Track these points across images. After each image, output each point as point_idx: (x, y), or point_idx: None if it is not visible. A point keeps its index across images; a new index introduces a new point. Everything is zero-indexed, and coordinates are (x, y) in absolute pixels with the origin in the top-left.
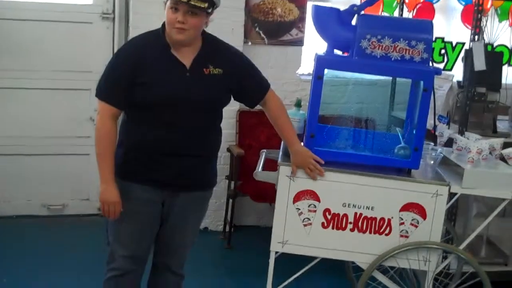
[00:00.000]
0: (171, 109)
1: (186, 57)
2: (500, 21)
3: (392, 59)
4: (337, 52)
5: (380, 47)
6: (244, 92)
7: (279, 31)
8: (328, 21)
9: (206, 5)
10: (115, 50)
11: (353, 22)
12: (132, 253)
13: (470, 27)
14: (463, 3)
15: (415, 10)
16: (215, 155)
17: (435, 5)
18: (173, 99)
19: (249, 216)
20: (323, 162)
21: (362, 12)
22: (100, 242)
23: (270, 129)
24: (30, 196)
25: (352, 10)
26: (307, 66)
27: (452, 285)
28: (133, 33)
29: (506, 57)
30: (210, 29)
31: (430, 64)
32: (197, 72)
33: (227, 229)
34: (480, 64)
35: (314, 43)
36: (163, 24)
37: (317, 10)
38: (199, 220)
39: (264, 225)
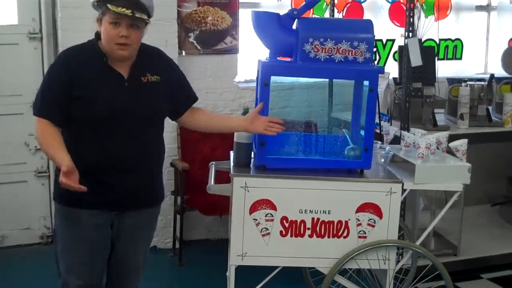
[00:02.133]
0: (112, 123)
1: (123, 67)
2: (426, 16)
3: (336, 61)
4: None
5: (324, 50)
6: (174, 101)
7: (213, 40)
8: (269, 26)
9: (146, 16)
10: (45, 71)
11: (294, 26)
12: (86, 282)
13: (398, 24)
14: (390, 1)
15: (344, 11)
16: (160, 169)
17: (363, 4)
18: (113, 112)
19: (198, 230)
20: (281, 121)
21: (302, 16)
22: (46, 272)
23: (213, 140)
24: None
25: (292, 14)
26: (243, 74)
27: (408, 280)
28: None
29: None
30: (144, 41)
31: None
32: (135, 81)
33: (177, 245)
34: (416, 59)
35: (249, 50)
36: (96, 35)
37: (257, 16)
38: (150, 238)
39: (215, 238)
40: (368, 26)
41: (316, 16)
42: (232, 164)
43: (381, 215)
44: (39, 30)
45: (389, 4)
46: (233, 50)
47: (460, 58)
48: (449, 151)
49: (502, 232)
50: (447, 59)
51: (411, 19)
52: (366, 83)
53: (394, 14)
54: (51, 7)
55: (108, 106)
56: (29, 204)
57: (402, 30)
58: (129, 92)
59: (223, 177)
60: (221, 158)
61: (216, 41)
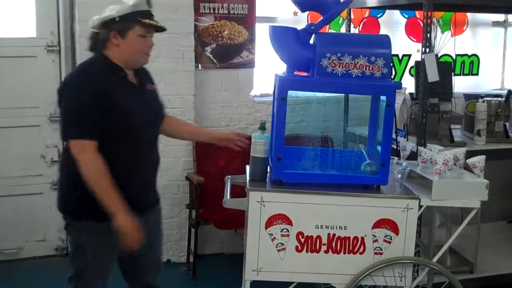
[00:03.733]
0: (141, 129)
1: (132, 79)
2: (442, 31)
3: (353, 76)
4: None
5: (341, 65)
6: None
7: (229, 54)
8: (287, 41)
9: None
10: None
11: (311, 41)
12: (105, 281)
13: (414, 39)
14: (406, 16)
15: (361, 25)
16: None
17: (379, 19)
18: (144, 121)
19: (212, 244)
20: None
21: (320, 31)
22: (62, 285)
23: (228, 153)
24: None
25: (310, 29)
26: (259, 88)
27: None
28: None
29: None
30: (161, 55)
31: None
32: (143, 89)
33: (191, 259)
34: (433, 75)
35: (265, 64)
36: (98, 52)
37: (275, 30)
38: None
39: (229, 252)
40: (385, 41)
41: (333, 31)
42: (248, 178)
43: (397, 231)
44: (57, 43)
45: (405, 20)
46: (249, 64)
47: (477, 74)
48: (466, 168)
49: None
50: (464, 74)
51: (428, 35)
52: (383, 98)
53: (411, 29)
54: (69, 20)
55: (140, 114)
56: (45, 216)
57: (418, 45)
58: (144, 99)
59: (239, 191)
60: (236, 172)
61: (232, 55)
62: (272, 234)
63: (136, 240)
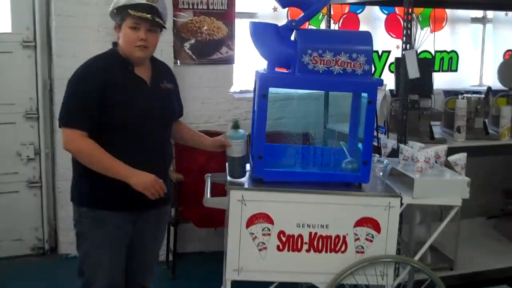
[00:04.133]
0: (141, 126)
1: (144, 75)
2: (422, 27)
3: (335, 73)
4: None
5: (322, 62)
6: None
7: (208, 50)
8: (267, 37)
9: (163, 22)
10: (39, 80)
11: (292, 37)
12: (113, 281)
13: (394, 36)
14: (386, 12)
15: (340, 22)
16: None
17: (359, 15)
18: (146, 115)
19: (191, 243)
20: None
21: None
22: (38, 285)
23: (208, 151)
24: None
25: (291, 25)
26: (239, 84)
27: None
28: (57, 61)
29: None
30: None
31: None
32: (157, 87)
33: (170, 258)
34: (414, 71)
35: (244, 61)
36: (114, 45)
37: (255, 26)
38: (164, 233)
39: (209, 251)
40: (367, 38)
41: (312, 27)
42: (228, 177)
43: (379, 229)
44: (33, 39)
45: (385, 16)
46: (229, 60)
47: (456, 70)
48: (447, 165)
49: (498, 245)
50: (443, 71)
51: (409, 31)
52: (364, 95)
53: (390, 26)
54: (45, 15)
55: (142, 109)
56: (21, 214)
57: (398, 41)
58: (154, 96)
59: (219, 189)
60: (216, 169)
61: (211, 51)
62: (253, 233)
63: (158, 189)
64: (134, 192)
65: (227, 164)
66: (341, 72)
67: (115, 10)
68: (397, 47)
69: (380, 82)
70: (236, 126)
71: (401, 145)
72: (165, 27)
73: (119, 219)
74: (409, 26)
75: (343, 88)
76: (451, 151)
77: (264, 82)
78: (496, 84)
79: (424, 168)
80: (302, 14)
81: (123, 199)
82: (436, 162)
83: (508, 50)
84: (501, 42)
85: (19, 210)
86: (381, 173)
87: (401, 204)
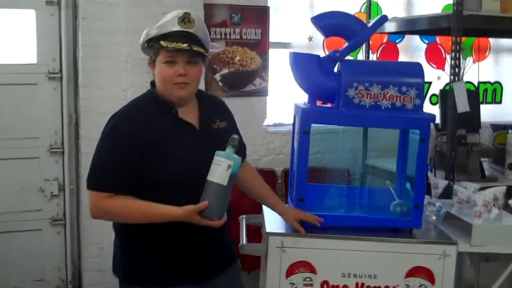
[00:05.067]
0: (192, 180)
1: (191, 116)
2: (464, 58)
3: (383, 108)
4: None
5: (369, 96)
6: None
7: (241, 81)
8: (309, 69)
9: (204, 50)
10: (64, 113)
11: (335, 69)
12: None
13: (435, 66)
14: (427, 41)
15: (379, 52)
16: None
17: (398, 45)
18: (194, 168)
19: None
20: (317, 222)
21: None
22: None
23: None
24: None
25: (334, 56)
26: (273, 117)
27: None
28: (83, 93)
29: None
30: None
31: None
32: (207, 129)
33: None
34: (463, 105)
35: (278, 93)
36: (152, 85)
37: (296, 57)
38: None
39: None
40: (417, 69)
41: (350, 57)
42: (265, 220)
43: (433, 280)
44: (59, 70)
45: (425, 45)
46: (262, 92)
47: (500, 102)
48: (505, 208)
49: None
50: (486, 103)
51: (457, 62)
52: (414, 131)
53: (431, 55)
54: (72, 46)
55: (189, 162)
56: (43, 254)
57: (439, 72)
58: (204, 142)
59: (255, 232)
60: (250, 209)
61: (244, 82)
62: (294, 284)
63: (202, 221)
64: (197, 259)
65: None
66: (390, 107)
67: (146, 44)
68: (438, 78)
69: (433, 118)
70: (233, 144)
71: (456, 186)
72: (207, 56)
73: None
74: (457, 56)
75: (392, 125)
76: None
77: (306, 117)
78: None
79: (482, 212)
80: (346, 44)
81: (185, 270)
82: (493, 205)
83: None
84: None
85: (41, 249)
86: (434, 217)
87: (457, 252)
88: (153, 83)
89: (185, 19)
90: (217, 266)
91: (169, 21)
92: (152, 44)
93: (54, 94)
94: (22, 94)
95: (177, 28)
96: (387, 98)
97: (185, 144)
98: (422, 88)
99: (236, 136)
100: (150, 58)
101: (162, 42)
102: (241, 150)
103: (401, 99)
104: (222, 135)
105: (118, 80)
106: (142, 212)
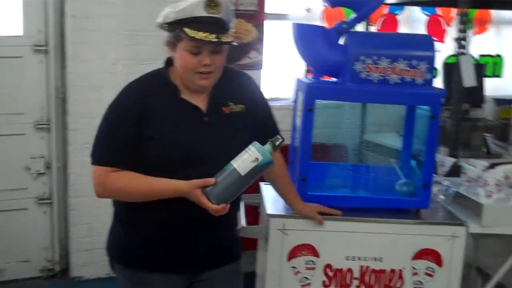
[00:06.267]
0: (190, 167)
1: (199, 99)
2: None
3: (391, 82)
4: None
5: (377, 70)
6: (257, 136)
7: (236, 54)
8: (314, 41)
9: (231, 38)
10: (51, 87)
11: (341, 41)
12: None
13: (436, 39)
14: (428, 13)
15: (378, 24)
16: (236, 218)
17: (398, 17)
18: (193, 155)
19: None
20: (339, 213)
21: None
22: None
23: None
24: None
25: (341, 27)
26: (267, 91)
27: None
28: (71, 67)
29: None
30: (159, 57)
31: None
32: (216, 114)
33: None
34: (469, 79)
35: (273, 66)
36: (167, 63)
37: (300, 29)
38: None
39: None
40: (428, 42)
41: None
42: (265, 200)
43: (441, 263)
44: (45, 42)
45: (426, 17)
46: (257, 66)
47: (500, 76)
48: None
49: None
50: (486, 76)
51: (463, 34)
52: (422, 107)
53: (431, 28)
54: (59, 17)
55: (186, 148)
56: (29, 234)
57: (439, 44)
58: (210, 129)
59: (254, 212)
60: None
61: (240, 55)
62: (296, 267)
63: (200, 198)
64: (190, 249)
65: (263, 183)
66: (399, 81)
67: (165, 25)
68: (439, 50)
69: (444, 93)
70: (274, 143)
71: (465, 164)
72: (235, 44)
73: (168, 283)
74: (463, 28)
75: (402, 101)
76: None
77: (311, 94)
78: None
79: (494, 192)
80: (354, 15)
81: (176, 258)
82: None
83: None
84: None
85: (27, 229)
86: (441, 197)
87: (467, 233)
88: (168, 61)
89: (211, 2)
90: (211, 261)
91: (193, 5)
92: (174, 29)
93: (40, 68)
94: (6, 68)
95: (203, 13)
96: (396, 73)
97: (186, 126)
98: (433, 61)
99: (280, 139)
100: (169, 38)
101: (186, 30)
102: (270, 135)
103: (411, 74)
104: (234, 120)
105: (107, 53)
106: (146, 187)
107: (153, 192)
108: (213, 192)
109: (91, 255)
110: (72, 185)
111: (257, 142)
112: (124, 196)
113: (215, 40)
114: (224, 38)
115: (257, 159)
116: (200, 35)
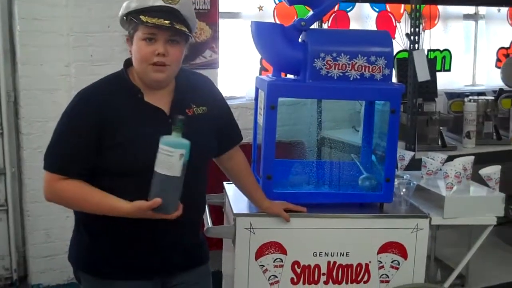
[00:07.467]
0: (149, 172)
1: (162, 101)
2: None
3: (351, 78)
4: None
5: (337, 66)
6: (219, 138)
7: (190, 53)
8: (273, 39)
9: (188, 30)
10: (2, 91)
11: (300, 39)
12: None
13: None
14: (377, 9)
15: (330, 21)
16: (201, 220)
17: (349, 14)
18: (153, 159)
19: None
20: (304, 210)
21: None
22: None
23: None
24: None
25: (299, 25)
26: (224, 90)
27: None
28: (22, 70)
29: None
30: (114, 57)
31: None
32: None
33: None
34: (423, 74)
35: (229, 65)
36: (126, 64)
37: (259, 27)
38: None
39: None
40: (386, 38)
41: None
42: (229, 199)
43: (406, 255)
44: None
45: (376, 13)
46: (213, 65)
47: (449, 70)
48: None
49: (506, 255)
50: (437, 71)
51: (417, 29)
52: (381, 102)
53: (381, 24)
54: (7, 18)
55: (149, 152)
56: None
57: None
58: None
59: (218, 212)
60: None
61: (194, 55)
62: (264, 265)
63: (156, 215)
64: (156, 254)
65: (226, 183)
66: (359, 77)
67: (125, 17)
68: None
69: (403, 88)
70: (179, 127)
71: (424, 158)
72: (191, 36)
73: None
74: (417, 24)
75: (362, 96)
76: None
77: (272, 91)
78: (490, 84)
79: (454, 184)
80: (311, 12)
81: (142, 263)
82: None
83: (502, 48)
84: (494, 39)
85: None
86: (404, 190)
87: (430, 225)
88: (126, 63)
89: None
90: (180, 265)
91: None
92: (132, 18)
93: None
94: None
95: (160, 2)
96: (356, 69)
97: (148, 130)
98: (391, 57)
99: (180, 117)
100: (128, 33)
101: (142, 17)
102: (233, 135)
103: (370, 69)
104: (197, 122)
105: (59, 55)
106: (92, 202)
107: (98, 210)
108: (164, 207)
109: (50, 262)
110: (28, 191)
111: (164, 138)
112: (72, 206)
113: (168, 25)
114: (179, 26)
115: (182, 154)
116: (155, 20)
